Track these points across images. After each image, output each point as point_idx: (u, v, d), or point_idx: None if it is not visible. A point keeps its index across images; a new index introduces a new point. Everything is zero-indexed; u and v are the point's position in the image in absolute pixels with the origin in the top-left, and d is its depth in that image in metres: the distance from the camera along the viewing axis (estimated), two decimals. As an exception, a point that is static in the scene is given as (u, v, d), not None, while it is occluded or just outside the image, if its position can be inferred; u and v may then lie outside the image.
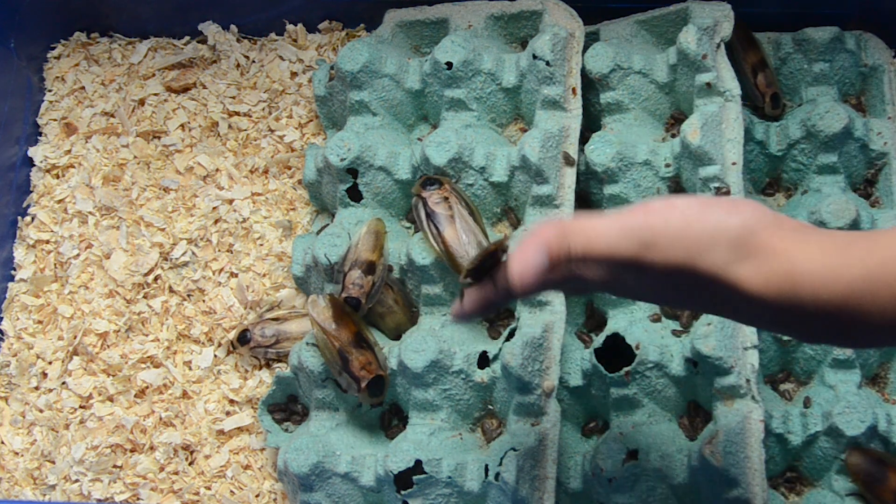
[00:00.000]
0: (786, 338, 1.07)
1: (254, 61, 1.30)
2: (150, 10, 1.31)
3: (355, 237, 1.09)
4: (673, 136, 1.13)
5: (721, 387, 0.98)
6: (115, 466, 1.14)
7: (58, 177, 1.28)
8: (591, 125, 1.15)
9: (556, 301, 1.03)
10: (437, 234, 1.06)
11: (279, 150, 1.26)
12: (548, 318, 1.02)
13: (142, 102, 1.29)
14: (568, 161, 1.09)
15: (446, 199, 1.07)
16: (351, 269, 1.07)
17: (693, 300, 0.73)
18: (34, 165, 1.28)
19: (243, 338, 1.15)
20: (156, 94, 1.30)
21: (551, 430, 1.00)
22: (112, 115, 1.29)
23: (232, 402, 1.15)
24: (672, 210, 0.71)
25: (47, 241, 1.24)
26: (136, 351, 1.18)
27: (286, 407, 1.13)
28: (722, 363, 0.97)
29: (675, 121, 1.14)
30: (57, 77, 1.32)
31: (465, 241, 1.05)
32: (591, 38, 1.17)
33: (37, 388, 1.18)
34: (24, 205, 1.27)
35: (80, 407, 1.17)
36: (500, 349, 1.04)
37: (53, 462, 1.15)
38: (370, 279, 1.07)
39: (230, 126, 1.27)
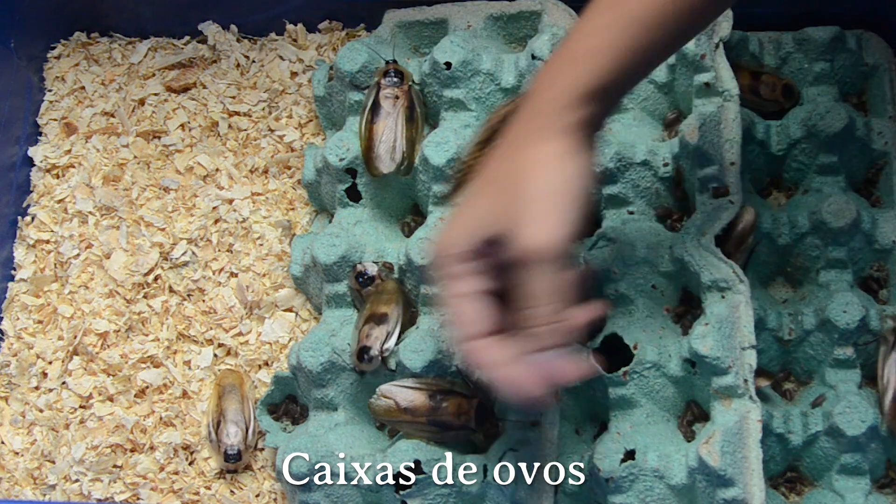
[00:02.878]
0: (786, 337, 1.07)
1: (254, 61, 1.30)
2: (150, 10, 1.31)
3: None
4: (672, 135, 1.13)
5: (719, 387, 0.97)
6: (115, 466, 1.14)
7: (58, 177, 1.28)
8: (589, 125, 1.15)
9: (555, 301, 1.03)
10: (367, 122, 1.09)
11: (279, 150, 1.26)
12: (546, 318, 1.02)
13: (142, 102, 1.30)
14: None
15: (397, 98, 1.08)
16: (364, 325, 1.06)
17: None
18: (34, 165, 1.28)
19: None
20: (156, 94, 1.30)
21: (550, 430, 1.00)
22: (112, 115, 1.29)
23: (231, 401, 1.16)
24: None
25: (47, 241, 1.25)
26: (136, 351, 1.18)
27: (285, 407, 1.13)
28: (719, 363, 0.97)
29: (670, 121, 1.14)
30: (57, 77, 1.32)
31: (384, 139, 1.06)
32: (590, 38, 1.17)
33: (37, 388, 1.19)
34: (24, 205, 1.27)
35: (80, 407, 1.17)
36: (499, 349, 1.04)
37: (53, 462, 1.15)
38: (383, 328, 1.05)
39: (230, 126, 1.27)
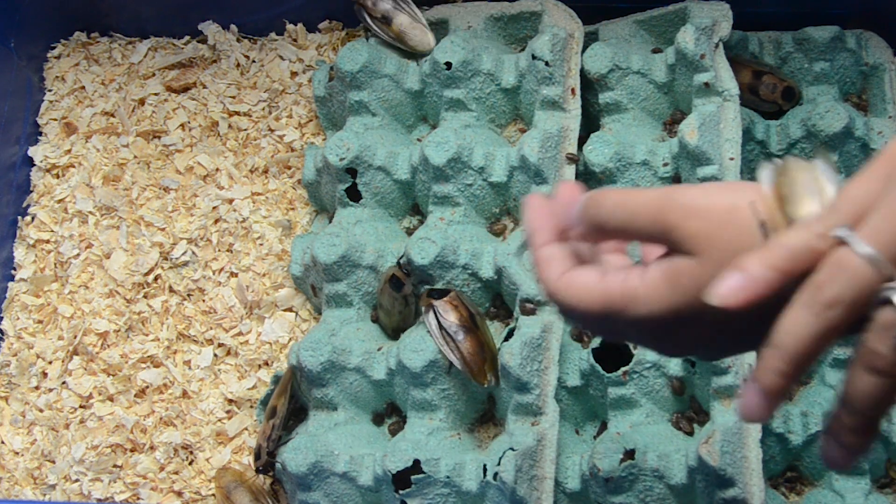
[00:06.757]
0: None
1: (254, 61, 1.30)
2: (150, 10, 1.32)
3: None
4: (671, 135, 1.13)
5: (719, 386, 0.97)
6: (115, 466, 1.14)
7: (58, 176, 1.28)
8: (589, 125, 1.15)
9: (555, 301, 1.03)
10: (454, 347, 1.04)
11: (279, 149, 1.26)
12: (546, 318, 1.02)
13: (142, 102, 1.30)
14: (571, 159, 1.08)
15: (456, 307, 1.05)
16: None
17: None
18: (34, 165, 1.28)
19: None
20: (156, 94, 1.30)
21: (550, 430, 1.00)
22: (112, 115, 1.29)
23: (231, 401, 1.16)
24: None
25: (47, 241, 1.25)
26: (136, 351, 1.18)
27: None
28: (719, 363, 0.97)
29: (673, 120, 1.14)
30: (57, 77, 1.32)
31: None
32: (589, 38, 1.17)
33: (37, 388, 1.19)
34: (24, 205, 1.27)
35: (80, 407, 1.17)
36: (499, 349, 1.04)
37: (53, 462, 1.15)
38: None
39: (230, 126, 1.27)
